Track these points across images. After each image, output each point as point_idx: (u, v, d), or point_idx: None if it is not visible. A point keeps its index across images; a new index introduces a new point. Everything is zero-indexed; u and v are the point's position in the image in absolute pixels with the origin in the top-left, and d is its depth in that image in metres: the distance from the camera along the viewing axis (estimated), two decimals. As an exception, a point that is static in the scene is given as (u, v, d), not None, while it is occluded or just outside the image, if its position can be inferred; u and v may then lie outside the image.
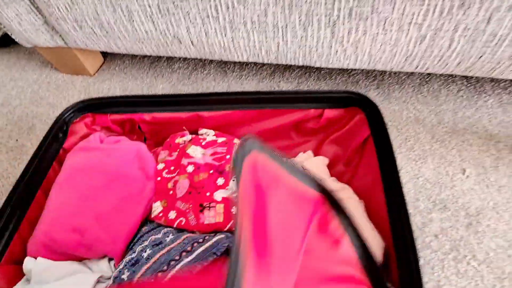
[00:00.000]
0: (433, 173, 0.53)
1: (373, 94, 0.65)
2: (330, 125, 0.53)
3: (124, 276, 0.40)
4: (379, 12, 0.46)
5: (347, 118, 0.52)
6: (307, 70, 0.71)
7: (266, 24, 0.51)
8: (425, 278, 0.45)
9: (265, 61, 0.59)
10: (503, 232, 0.47)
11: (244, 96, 0.53)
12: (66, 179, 0.47)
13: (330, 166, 0.53)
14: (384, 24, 0.47)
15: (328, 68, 0.70)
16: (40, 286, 0.40)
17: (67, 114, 0.55)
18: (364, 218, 0.43)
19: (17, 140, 0.68)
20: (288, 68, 0.73)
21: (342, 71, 0.70)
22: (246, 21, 0.51)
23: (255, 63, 0.74)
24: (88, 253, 0.43)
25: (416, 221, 0.49)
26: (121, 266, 0.41)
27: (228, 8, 0.50)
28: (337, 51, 0.52)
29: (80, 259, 0.44)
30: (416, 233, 0.49)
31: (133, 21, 0.59)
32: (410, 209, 0.51)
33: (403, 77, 0.66)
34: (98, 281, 0.40)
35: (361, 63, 0.54)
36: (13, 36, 0.73)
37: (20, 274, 0.43)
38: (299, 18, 0.49)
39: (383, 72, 0.68)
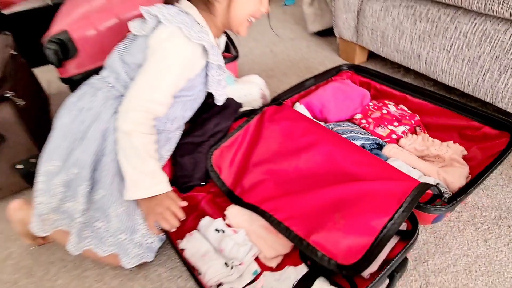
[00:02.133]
0: (504, 195, 0.72)
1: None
2: (484, 138, 0.79)
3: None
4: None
5: (497, 137, 0.77)
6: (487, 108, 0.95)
7: (476, 64, 0.83)
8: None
9: (464, 90, 0.90)
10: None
11: (438, 95, 0.86)
12: (326, 90, 0.96)
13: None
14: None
15: (504, 112, 0.91)
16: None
17: (342, 66, 1.05)
18: (463, 176, 0.71)
19: (286, 73, 1.27)
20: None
21: None
22: (465, 57, 0.85)
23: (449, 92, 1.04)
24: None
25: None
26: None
27: (458, 47, 0.86)
28: (516, 98, 0.78)
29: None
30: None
31: (401, 39, 1.03)
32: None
33: None
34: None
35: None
36: (334, 29, 1.32)
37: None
38: (499, 67, 0.79)
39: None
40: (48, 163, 0.66)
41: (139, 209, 0.66)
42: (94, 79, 0.73)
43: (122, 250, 0.65)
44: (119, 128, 0.64)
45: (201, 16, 0.69)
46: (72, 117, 0.68)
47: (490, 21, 0.80)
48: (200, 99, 0.78)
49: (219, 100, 0.80)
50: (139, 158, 0.63)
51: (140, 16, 0.71)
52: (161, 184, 0.65)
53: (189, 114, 0.78)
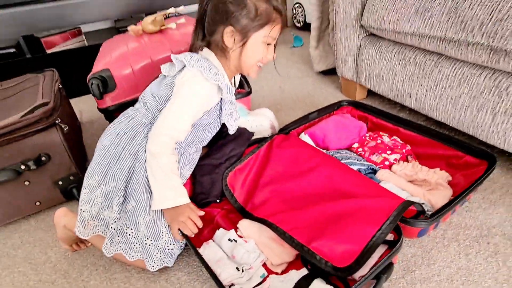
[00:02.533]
0: (485, 217, 0.82)
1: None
2: (466, 166, 0.90)
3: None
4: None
5: (478, 165, 0.87)
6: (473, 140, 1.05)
7: (457, 102, 0.96)
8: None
9: (450, 124, 1.02)
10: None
11: (427, 128, 0.99)
12: (328, 123, 1.09)
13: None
14: (526, 125, 0.82)
15: (486, 144, 1.01)
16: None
17: (342, 102, 1.19)
18: (447, 198, 0.80)
19: (308, 109, 1.41)
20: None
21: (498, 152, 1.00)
22: (448, 96, 0.98)
23: (440, 126, 1.15)
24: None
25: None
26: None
27: (442, 87, 0.99)
28: (493, 131, 0.89)
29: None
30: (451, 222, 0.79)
31: (394, 80, 1.17)
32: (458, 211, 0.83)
33: (550, 181, 0.90)
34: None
35: (508, 146, 0.88)
36: (337, 70, 1.48)
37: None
38: (476, 104, 0.91)
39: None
40: (90, 178, 0.78)
41: (163, 218, 0.77)
42: (129, 110, 0.88)
43: (147, 254, 0.75)
44: (148, 150, 0.77)
45: (218, 61, 0.84)
46: (110, 140, 0.81)
47: (467, 66, 0.93)
48: (214, 127, 0.91)
49: (231, 130, 0.93)
50: (164, 175, 0.75)
51: (169, 59, 0.86)
52: (183, 197, 0.76)
53: (205, 140, 0.91)
